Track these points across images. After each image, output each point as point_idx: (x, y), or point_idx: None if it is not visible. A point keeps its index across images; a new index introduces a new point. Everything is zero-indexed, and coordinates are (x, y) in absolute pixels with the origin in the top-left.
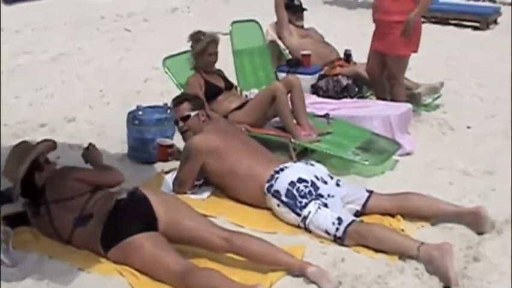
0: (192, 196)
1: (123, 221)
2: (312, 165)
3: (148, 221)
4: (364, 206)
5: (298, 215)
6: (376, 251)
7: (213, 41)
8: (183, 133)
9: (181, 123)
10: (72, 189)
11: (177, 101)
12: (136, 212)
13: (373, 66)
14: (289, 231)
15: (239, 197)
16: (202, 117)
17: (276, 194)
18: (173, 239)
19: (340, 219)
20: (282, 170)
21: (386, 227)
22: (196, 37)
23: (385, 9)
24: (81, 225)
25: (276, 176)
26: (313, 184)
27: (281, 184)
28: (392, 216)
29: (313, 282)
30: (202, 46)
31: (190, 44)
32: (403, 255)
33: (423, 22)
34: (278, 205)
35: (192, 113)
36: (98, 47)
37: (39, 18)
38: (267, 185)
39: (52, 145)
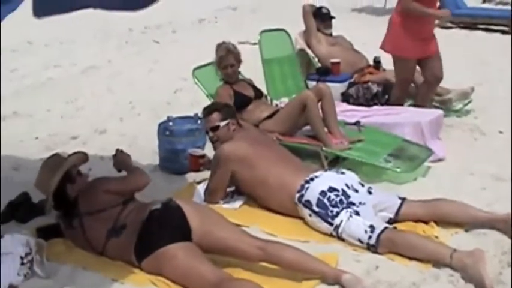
0: (224, 205)
1: (157, 231)
2: (343, 173)
3: (182, 231)
4: (397, 213)
5: (330, 224)
6: (410, 258)
7: (228, 53)
8: (213, 143)
9: (211, 134)
10: (104, 201)
11: (207, 111)
12: (170, 222)
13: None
14: (322, 240)
15: (270, 207)
16: (233, 126)
17: (307, 204)
18: (207, 249)
19: (372, 227)
20: (312, 179)
21: (419, 234)
22: (216, 48)
23: None
24: (114, 237)
25: (306, 185)
26: (343, 193)
27: (312, 194)
28: (426, 223)
29: None
30: (217, 57)
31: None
32: (437, 263)
33: (451, 27)
34: (310, 215)
35: (222, 123)
36: (127, 59)
37: (68, 31)
38: (297, 195)
39: (84, 157)
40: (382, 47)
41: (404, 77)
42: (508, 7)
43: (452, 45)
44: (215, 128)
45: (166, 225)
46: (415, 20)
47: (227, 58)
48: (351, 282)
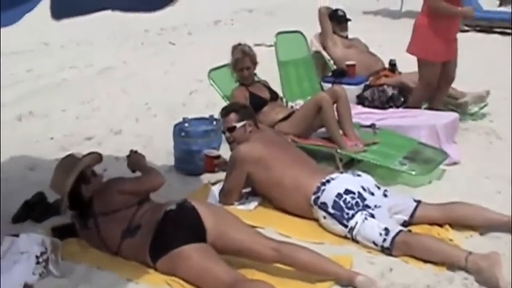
0: (239, 207)
1: (172, 231)
2: (359, 175)
3: (197, 232)
4: (412, 215)
5: (345, 226)
6: (425, 261)
7: (244, 56)
8: (229, 143)
9: (227, 134)
10: (119, 201)
11: (225, 111)
12: (185, 222)
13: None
14: (336, 242)
15: (285, 208)
16: (249, 128)
17: (323, 206)
18: (221, 250)
19: (387, 230)
20: (328, 181)
21: (434, 237)
22: (232, 50)
23: None
24: (129, 237)
25: (323, 187)
26: (360, 195)
27: (328, 196)
28: (441, 226)
29: None
30: (233, 61)
31: None
32: (452, 266)
33: (467, 31)
34: (324, 217)
35: (238, 124)
36: (143, 61)
37: (84, 33)
38: (313, 197)
39: (98, 157)
40: (408, 50)
41: (429, 81)
42: None
43: (468, 48)
44: (232, 129)
45: (181, 226)
46: (442, 20)
47: (243, 60)
48: (365, 284)
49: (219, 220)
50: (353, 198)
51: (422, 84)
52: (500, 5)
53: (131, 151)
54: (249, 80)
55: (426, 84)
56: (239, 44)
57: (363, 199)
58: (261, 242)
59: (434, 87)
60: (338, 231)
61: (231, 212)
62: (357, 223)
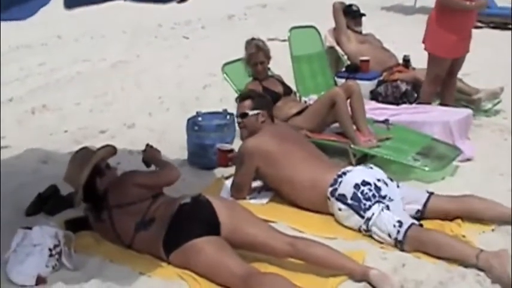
0: (252, 201)
1: (186, 224)
2: (371, 168)
3: (211, 226)
4: (425, 205)
5: (362, 217)
6: (437, 257)
7: (258, 50)
8: (240, 129)
9: (239, 119)
10: (134, 194)
11: (241, 97)
12: (199, 216)
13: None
14: (350, 237)
15: (298, 203)
16: (262, 118)
17: (341, 198)
18: (235, 244)
19: (400, 222)
20: (344, 173)
21: (445, 233)
22: (246, 45)
23: None
24: (143, 230)
25: (340, 179)
26: (376, 186)
27: (346, 187)
28: (453, 220)
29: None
30: (247, 56)
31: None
32: (464, 262)
33: (481, 27)
34: (340, 209)
35: (251, 112)
36: (156, 55)
37: (98, 26)
38: (330, 189)
39: (112, 150)
40: (423, 42)
41: (437, 75)
42: None
43: (482, 45)
44: (244, 115)
45: (196, 219)
46: (454, 16)
47: (257, 55)
48: (378, 278)
49: (233, 214)
50: (370, 189)
51: (429, 78)
52: None
53: (147, 145)
54: (263, 74)
55: (433, 78)
56: (253, 39)
57: (379, 190)
58: (276, 237)
59: (441, 81)
60: (353, 222)
61: (244, 206)
62: (373, 214)
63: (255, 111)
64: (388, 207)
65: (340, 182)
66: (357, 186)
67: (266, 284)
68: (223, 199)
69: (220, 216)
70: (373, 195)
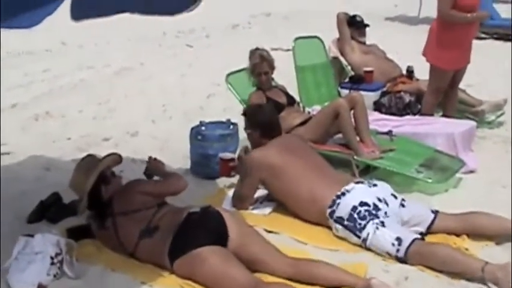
0: (254, 211)
1: (194, 232)
2: (375, 185)
3: (219, 237)
4: (429, 227)
5: (358, 237)
6: (440, 270)
7: (262, 61)
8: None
9: (248, 131)
10: (140, 201)
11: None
12: (208, 226)
13: None
14: (352, 249)
15: (300, 216)
16: None
17: (339, 220)
18: (239, 259)
19: (399, 240)
20: (343, 194)
21: (449, 247)
22: (250, 55)
23: None
24: (147, 237)
25: (338, 201)
26: (375, 207)
27: (344, 210)
28: (458, 235)
29: None
30: (251, 65)
31: None
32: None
33: (484, 38)
34: (337, 230)
35: None
36: (160, 63)
37: (102, 33)
38: (328, 210)
39: (118, 159)
40: (423, 54)
41: (438, 86)
42: None
43: (486, 56)
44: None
45: (204, 229)
46: (455, 28)
47: (261, 65)
48: (379, 287)
49: (241, 230)
50: (367, 210)
51: (431, 89)
52: None
53: (150, 158)
54: (267, 85)
55: (435, 89)
56: (257, 49)
57: (377, 209)
58: (278, 258)
59: (443, 93)
60: (354, 241)
61: (247, 216)
62: (368, 234)
63: None
64: (383, 223)
65: (338, 204)
66: (354, 208)
67: None
68: (232, 213)
69: (230, 230)
70: (369, 213)
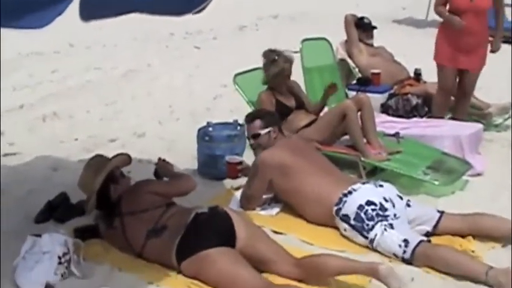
0: (262, 212)
1: (202, 232)
2: (381, 186)
3: (227, 237)
4: (435, 226)
5: (365, 237)
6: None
7: (290, 64)
8: (254, 149)
9: (252, 141)
10: (148, 201)
11: (249, 118)
12: (216, 226)
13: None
14: (359, 251)
15: (306, 217)
16: (274, 134)
17: (345, 218)
18: (246, 260)
19: (406, 241)
20: (350, 192)
21: (455, 249)
22: (271, 57)
23: None
24: (154, 237)
25: (344, 199)
26: (381, 207)
27: (350, 208)
28: (463, 237)
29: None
30: (279, 69)
31: (263, 61)
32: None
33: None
34: (345, 229)
35: (263, 131)
36: (167, 64)
37: (110, 34)
38: (335, 208)
39: (127, 159)
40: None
41: (442, 85)
42: None
43: (493, 59)
44: (256, 136)
45: (212, 229)
46: (447, 25)
47: (289, 69)
48: (386, 271)
49: (249, 230)
50: (374, 209)
51: (439, 89)
52: None
53: (159, 159)
54: (284, 87)
55: (441, 89)
56: (273, 51)
57: (384, 210)
58: (284, 258)
59: (451, 95)
60: (360, 242)
61: (254, 217)
62: (376, 235)
63: (267, 130)
64: (391, 226)
65: (345, 202)
66: (360, 207)
67: None
68: (240, 213)
69: (238, 231)
70: (377, 215)
